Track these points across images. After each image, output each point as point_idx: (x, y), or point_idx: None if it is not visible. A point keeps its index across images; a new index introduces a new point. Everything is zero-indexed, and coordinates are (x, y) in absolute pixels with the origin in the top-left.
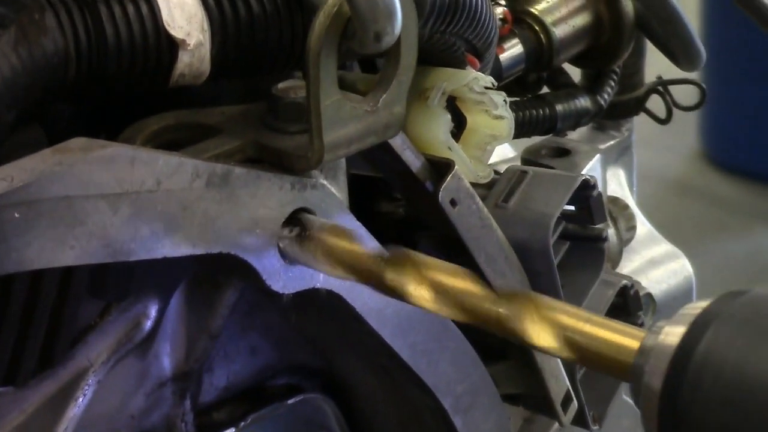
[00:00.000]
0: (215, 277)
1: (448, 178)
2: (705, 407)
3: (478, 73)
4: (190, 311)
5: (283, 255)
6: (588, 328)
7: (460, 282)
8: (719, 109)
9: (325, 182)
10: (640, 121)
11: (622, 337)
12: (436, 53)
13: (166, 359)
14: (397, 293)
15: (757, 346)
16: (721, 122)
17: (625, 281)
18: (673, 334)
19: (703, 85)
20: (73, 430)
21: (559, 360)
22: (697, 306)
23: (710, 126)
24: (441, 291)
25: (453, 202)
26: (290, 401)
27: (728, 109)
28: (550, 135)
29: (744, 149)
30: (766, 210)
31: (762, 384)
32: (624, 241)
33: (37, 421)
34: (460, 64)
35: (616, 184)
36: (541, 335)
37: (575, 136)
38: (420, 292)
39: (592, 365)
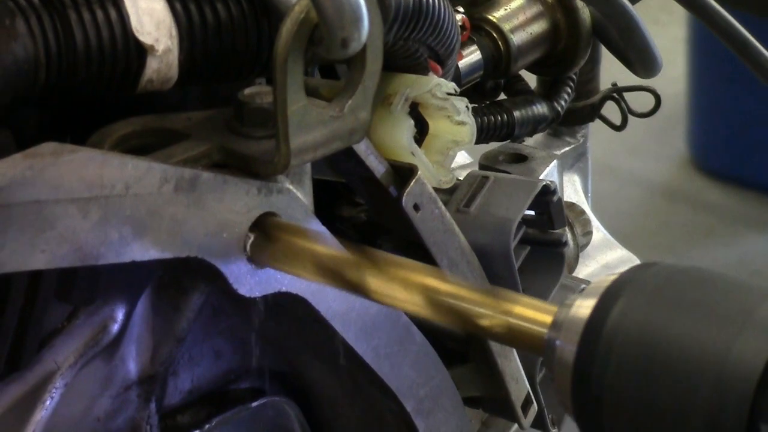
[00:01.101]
0: (181, 281)
1: (412, 183)
2: (616, 377)
3: (441, 79)
4: (156, 315)
5: (250, 259)
6: (502, 305)
7: (424, 278)
8: (708, 116)
9: (290, 187)
10: (629, 128)
11: (536, 313)
12: (399, 59)
13: (131, 362)
14: (361, 291)
15: (666, 315)
16: (710, 129)
17: (584, 285)
18: (584, 306)
19: (658, 92)
20: None
21: (519, 363)
22: (609, 278)
23: (699, 132)
24: (405, 287)
25: (416, 207)
26: (254, 404)
27: (717, 116)
28: (507, 141)
29: (733, 156)
30: (754, 216)
31: (671, 351)
32: (580, 247)
33: (4, 424)
34: (422, 71)
35: (571, 190)
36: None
37: (530, 142)
38: (384, 290)
39: (508, 341)
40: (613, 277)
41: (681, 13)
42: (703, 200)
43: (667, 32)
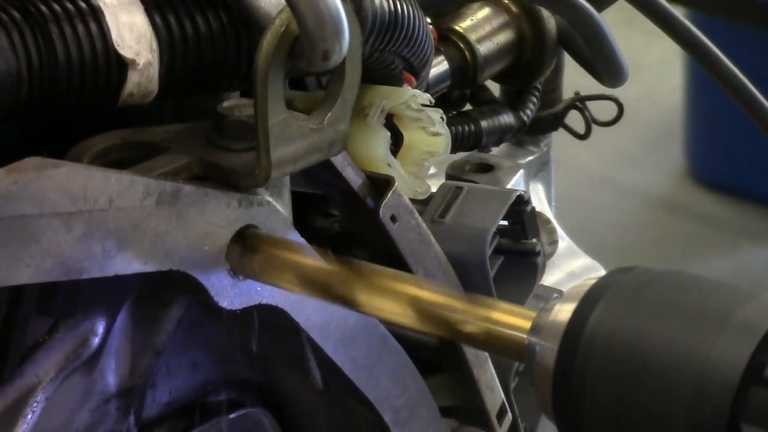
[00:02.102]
0: (161, 293)
1: (389, 195)
2: (597, 380)
3: (416, 90)
4: (135, 328)
5: (231, 271)
6: (482, 311)
7: (405, 287)
8: (705, 127)
9: (270, 199)
10: (626, 140)
11: (515, 318)
12: (374, 71)
13: (111, 375)
14: (344, 302)
15: (646, 318)
16: (707, 140)
17: (556, 294)
18: (564, 310)
19: (620, 101)
20: None
21: (494, 372)
22: (588, 282)
23: (696, 144)
24: (385, 296)
25: (393, 218)
26: (231, 416)
27: (714, 127)
28: (474, 151)
29: (730, 167)
30: (752, 228)
31: (651, 353)
32: (546, 255)
33: None
34: (397, 82)
35: (535, 198)
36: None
37: (494, 151)
38: (367, 300)
39: (487, 347)
40: (592, 281)
41: None
42: (701, 211)
43: (664, 43)
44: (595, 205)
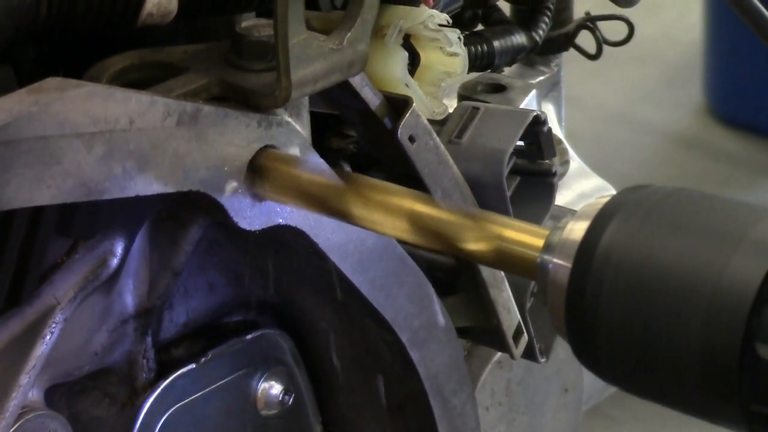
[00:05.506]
0: (180, 215)
1: (407, 115)
2: (610, 299)
3: (433, 10)
4: (153, 249)
5: (250, 191)
6: (494, 229)
7: (415, 204)
8: (724, 64)
9: (289, 119)
10: (644, 76)
11: (528, 236)
12: None
13: (129, 296)
14: (357, 221)
15: (660, 235)
16: (726, 77)
17: (571, 215)
18: (577, 229)
19: (631, 21)
20: (40, 368)
21: (510, 293)
22: (601, 201)
23: (715, 80)
24: (402, 214)
25: (411, 139)
26: (248, 337)
27: (733, 64)
28: (486, 71)
29: (750, 104)
30: None
31: (665, 271)
32: (558, 176)
33: (5, 359)
34: (414, 2)
35: None
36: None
37: (506, 72)
38: (379, 218)
39: (500, 265)
40: (605, 200)
41: None
42: (719, 148)
43: None
44: (614, 142)
